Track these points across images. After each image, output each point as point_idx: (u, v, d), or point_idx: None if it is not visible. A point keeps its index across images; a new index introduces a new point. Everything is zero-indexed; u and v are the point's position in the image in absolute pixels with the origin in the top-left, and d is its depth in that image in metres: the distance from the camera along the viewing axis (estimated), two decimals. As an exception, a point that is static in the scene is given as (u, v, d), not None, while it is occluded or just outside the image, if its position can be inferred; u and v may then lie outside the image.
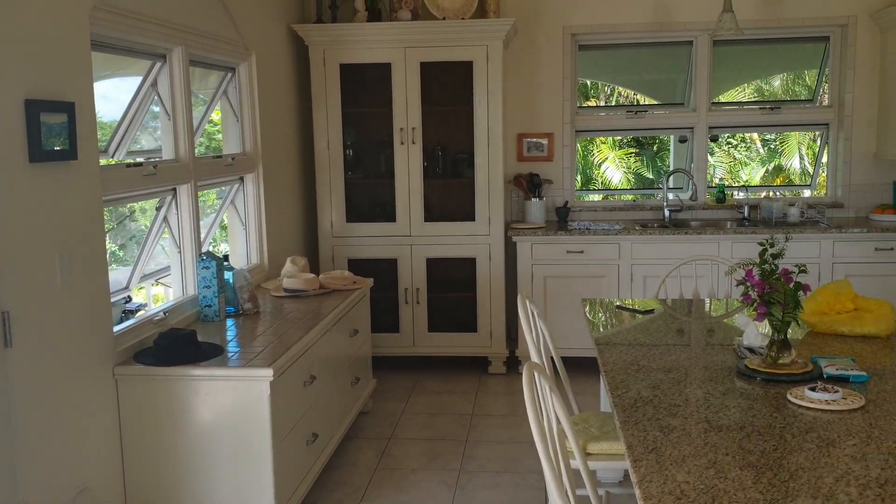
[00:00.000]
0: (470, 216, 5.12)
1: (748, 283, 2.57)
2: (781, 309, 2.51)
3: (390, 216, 5.17)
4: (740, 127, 5.74)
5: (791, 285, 2.50)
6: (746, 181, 9.23)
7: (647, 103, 6.01)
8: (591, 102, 7.10)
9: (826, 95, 5.59)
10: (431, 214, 5.21)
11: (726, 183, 8.30)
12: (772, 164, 9.51)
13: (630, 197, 6.95)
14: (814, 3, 5.27)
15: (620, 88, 7.25)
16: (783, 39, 5.54)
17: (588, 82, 6.70)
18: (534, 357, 2.95)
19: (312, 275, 4.16)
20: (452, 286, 5.25)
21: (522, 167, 5.55)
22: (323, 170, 5.14)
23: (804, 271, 2.50)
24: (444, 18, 5.03)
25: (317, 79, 5.06)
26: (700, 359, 2.78)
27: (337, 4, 5.22)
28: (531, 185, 5.37)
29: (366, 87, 5.21)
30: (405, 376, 5.20)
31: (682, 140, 5.72)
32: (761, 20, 5.30)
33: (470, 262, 5.15)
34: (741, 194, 5.68)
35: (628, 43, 5.56)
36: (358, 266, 5.07)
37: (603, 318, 3.48)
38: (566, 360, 3.52)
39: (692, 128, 5.59)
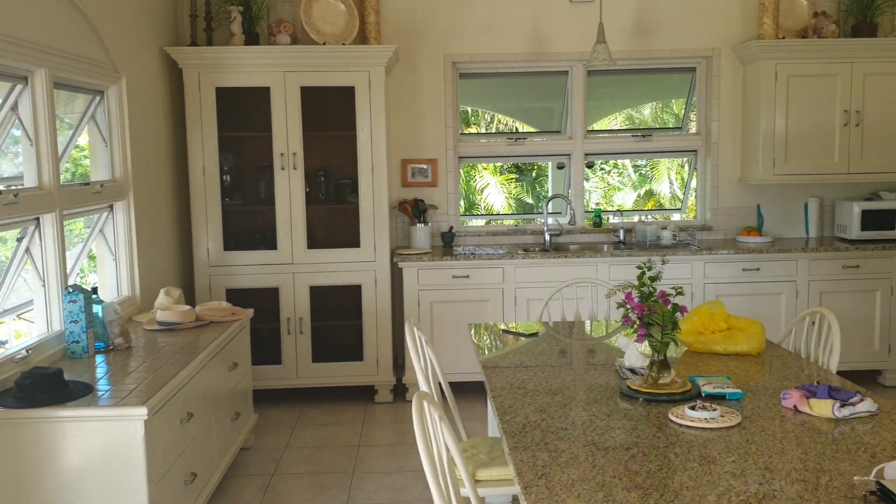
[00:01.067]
0: (355, 242, 5.06)
1: (628, 306, 2.63)
2: (660, 330, 2.58)
3: (271, 244, 5.04)
4: (615, 154, 5.95)
5: (669, 307, 2.58)
6: (620, 206, 9.58)
7: (526, 130, 6.14)
8: (473, 129, 7.20)
9: (693, 123, 5.88)
10: (315, 241, 5.12)
11: (602, 207, 8.60)
12: (643, 189, 9.92)
13: (513, 222, 7.07)
14: (681, 36, 5.54)
15: (500, 116, 7.39)
16: (653, 70, 5.80)
17: (469, 109, 6.79)
18: (422, 385, 2.91)
19: (188, 307, 3.98)
20: (337, 314, 5.16)
21: (407, 193, 5.54)
22: (198, 196, 4.96)
23: (681, 293, 2.58)
24: (324, 44, 4.98)
25: (191, 102, 4.90)
26: (584, 380, 2.82)
27: (212, 27, 5.08)
28: (416, 210, 5.36)
29: (244, 111, 5.09)
30: (289, 409, 5.06)
31: (560, 166, 5.87)
32: (633, 51, 5.53)
33: (355, 290, 5.08)
34: (616, 218, 5.87)
35: (507, 72, 5.67)
36: (237, 296, 4.91)
37: (489, 342, 3.49)
38: (454, 385, 3.51)
39: (569, 154, 5.75)
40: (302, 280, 5.03)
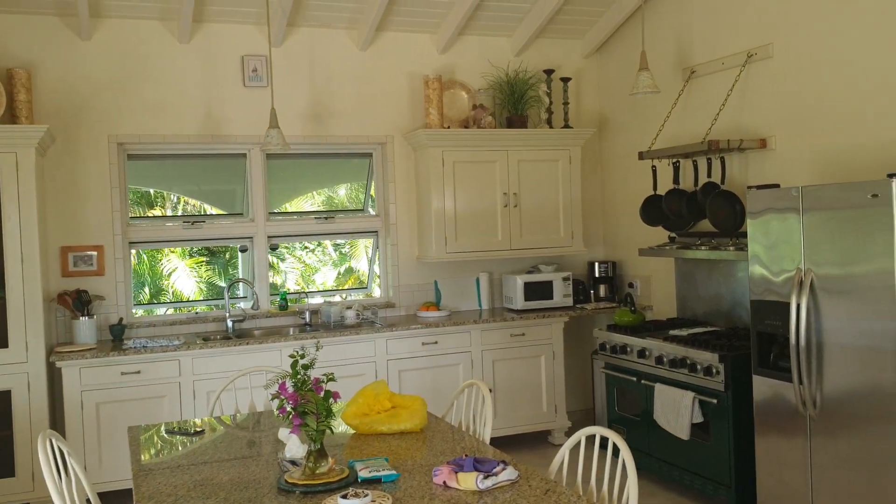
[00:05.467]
0: (2, 342, 4.49)
1: (282, 396, 2.57)
2: (316, 419, 2.55)
3: None
4: (299, 236, 5.96)
5: (321, 394, 2.56)
6: (322, 285, 9.61)
7: (208, 213, 5.95)
8: (158, 211, 6.85)
9: (373, 206, 6.09)
10: (-47, 344, 4.47)
11: (301, 288, 8.55)
12: (343, 267, 10.06)
13: (206, 308, 6.73)
14: (356, 123, 5.76)
15: (186, 198, 7.12)
16: (333, 154, 5.94)
17: (152, 191, 6.45)
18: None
19: None
20: (-17, 425, 4.51)
21: (69, 283, 5.07)
22: None
23: (332, 379, 2.57)
24: (-38, 121, 4.47)
25: None
26: (244, 478, 2.68)
27: None
28: (79, 302, 4.91)
29: None
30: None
31: (243, 249, 5.75)
32: (310, 136, 5.63)
33: (4, 396, 4.49)
34: (316, 299, 5.83)
35: (183, 153, 5.49)
36: None
37: (149, 445, 3.22)
38: (120, 494, 3.17)
39: (252, 237, 5.65)
40: (-64, 389, 4.35)
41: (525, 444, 5.61)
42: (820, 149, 4.38)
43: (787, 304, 3.61)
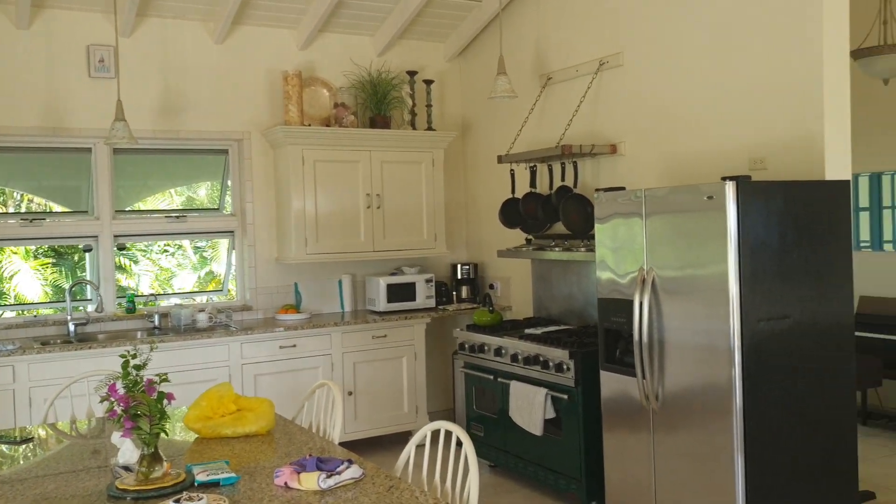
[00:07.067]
0: None
1: (112, 399, 2.43)
2: (149, 421, 2.42)
3: None
4: (149, 235, 5.70)
5: (154, 396, 2.43)
6: (181, 289, 9.24)
7: (50, 210, 5.59)
8: None
9: (229, 204, 5.90)
10: None
11: (157, 292, 8.17)
12: (204, 271, 9.71)
13: (52, 311, 6.30)
14: (211, 118, 5.56)
15: (31, 195, 6.66)
16: (186, 150, 5.72)
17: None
18: None
19: None
20: None
21: None
22: None
23: (166, 380, 2.46)
24: None
25: None
26: (71, 488, 2.51)
27: None
28: None
29: None
30: None
31: (87, 249, 5.43)
32: (160, 131, 5.40)
33: None
34: (171, 302, 5.57)
35: (19, 146, 5.13)
36: None
37: (-32, 457, 2.97)
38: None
39: (97, 236, 5.35)
40: None
41: (386, 446, 5.58)
42: (665, 154, 4.59)
43: (632, 302, 3.75)
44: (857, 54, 4.95)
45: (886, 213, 6.06)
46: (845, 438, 3.63)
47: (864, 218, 6.13)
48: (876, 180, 6.10)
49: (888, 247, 6.05)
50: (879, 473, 4.84)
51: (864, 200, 6.12)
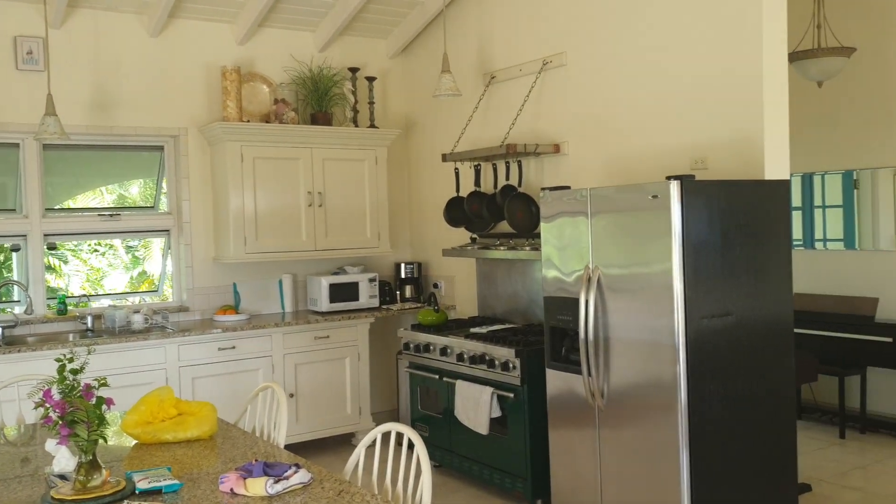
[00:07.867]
0: None
1: (48, 405, 2.31)
2: (87, 428, 2.31)
3: None
4: (81, 234, 5.49)
5: (93, 401, 2.33)
6: (113, 289, 8.96)
7: (-27, 209, 5.35)
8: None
9: (164, 203, 5.73)
10: None
11: (88, 292, 7.92)
12: (136, 271, 9.43)
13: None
14: (145, 114, 5.40)
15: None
16: (120, 147, 5.53)
17: None
18: None
19: None
20: None
21: None
22: None
23: (105, 384, 2.35)
24: None
25: None
26: (4, 497, 2.39)
27: None
28: None
29: None
30: None
31: (15, 249, 5.21)
32: (93, 126, 5.21)
33: None
34: (104, 303, 5.39)
35: (-59, 140, 4.90)
36: None
37: None
38: None
39: (25, 235, 5.14)
40: None
41: (329, 448, 5.50)
42: (608, 153, 4.62)
43: (577, 300, 3.76)
44: (792, 57, 5.08)
45: (818, 213, 6.24)
46: (785, 433, 3.71)
47: (797, 217, 6.30)
48: (808, 181, 6.27)
49: (819, 245, 6.23)
50: (814, 465, 4.98)
51: (796, 200, 6.29)
